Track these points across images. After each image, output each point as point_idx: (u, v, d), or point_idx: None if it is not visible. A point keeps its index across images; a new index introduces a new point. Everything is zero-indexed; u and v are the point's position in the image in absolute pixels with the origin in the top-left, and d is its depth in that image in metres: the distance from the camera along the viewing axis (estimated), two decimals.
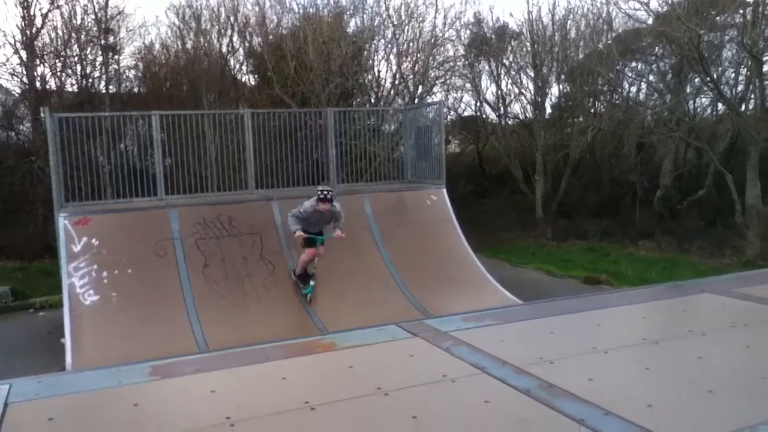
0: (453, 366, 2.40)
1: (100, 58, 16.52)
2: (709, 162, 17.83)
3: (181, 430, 1.91)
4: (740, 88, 17.96)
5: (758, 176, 16.20)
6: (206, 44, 17.91)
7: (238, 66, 18.90)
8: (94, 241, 8.53)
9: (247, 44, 18.51)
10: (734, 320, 2.90)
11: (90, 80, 16.31)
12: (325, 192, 8.30)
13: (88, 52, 16.26)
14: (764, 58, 16.18)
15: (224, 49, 18.22)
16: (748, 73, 17.00)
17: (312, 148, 12.00)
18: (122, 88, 17.32)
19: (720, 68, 17.68)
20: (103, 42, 16.40)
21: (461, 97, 20.79)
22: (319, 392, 2.17)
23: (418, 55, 18.08)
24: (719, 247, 16.76)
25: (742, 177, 16.52)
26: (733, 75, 18.10)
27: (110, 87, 16.90)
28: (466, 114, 21.30)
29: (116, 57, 16.90)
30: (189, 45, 17.92)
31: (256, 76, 18.88)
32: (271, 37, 18.16)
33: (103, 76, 16.67)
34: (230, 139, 11.45)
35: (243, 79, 19.10)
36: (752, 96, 17.26)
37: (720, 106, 18.49)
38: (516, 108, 20.27)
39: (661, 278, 11.54)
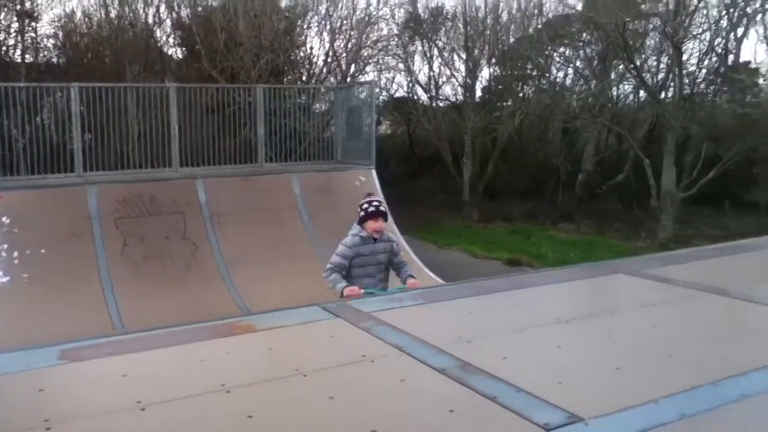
0: (373, 346, 2.41)
1: (15, 25, 15.64)
2: (628, 148, 18.53)
3: (88, 414, 1.85)
4: (661, 76, 18.67)
5: (674, 162, 16.96)
6: (131, 14, 17.19)
7: (164, 38, 18.25)
8: (4, 219, 8.12)
9: (174, 15, 17.88)
10: (643, 300, 3.02)
11: (4, 48, 15.42)
12: (377, 203, 5.27)
13: (1, 18, 15.37)
14: (684, 48, 16.88)
15: (150, 20, 17.54)
16: (669, 61, 17.68)
17: (240, 126, 11.77)
18: (40, 58, 16.46)
19: (643, 56, 18.31)
20: (18, 7, 15.51)
21: (394, 78, 20.81)
22: (235, 375, 2.14)
23: (352, 33, 17.96)
24: (635, 230, 17.50)
25: (658, 163, 17.25)
26: (655, 63, 18.78)
27: (26, 56, 16.03)
28: (398, 95, 21.35)
29: (33, 24, 16.03)
30: (113, 14, 17.17)
31: (183, 49, 18.29)
32: (200, 9, 17.60)
33: (19, 45, 15.79)
34: (154, 114, 11.06)
35: (170, 52, 18.47)
36: (672, 84, 17.98)
37: (641, 93, 19.20)
38: (447, 90, 20.44)
39: (580, 259, 11.95)
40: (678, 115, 16.39)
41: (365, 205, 5.24)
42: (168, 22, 17.93)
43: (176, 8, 17.76)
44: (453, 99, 20.09)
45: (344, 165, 11.67)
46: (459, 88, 19.67)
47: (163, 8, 17.59)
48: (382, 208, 5.25)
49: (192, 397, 1.96)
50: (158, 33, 17.96)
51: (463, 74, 19.19)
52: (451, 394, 1.98)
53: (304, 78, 17.93)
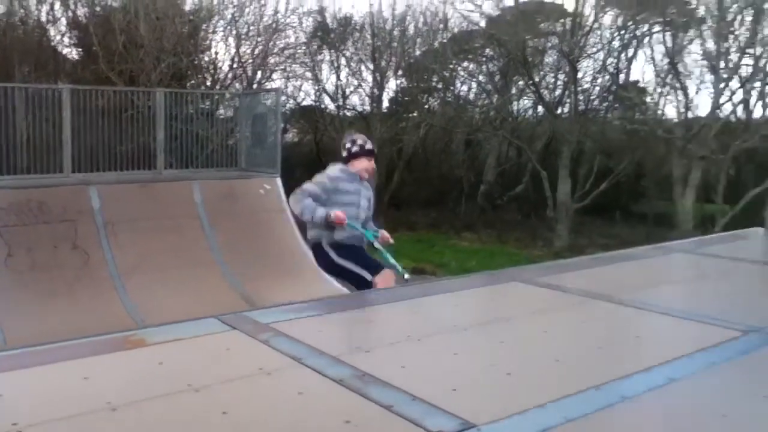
0: (270, 358, 2.37)
1: None
2: (527, 160, 19.28)
3: None
4: (558, 92, 19.54)
5: (569, 175, 17.79)
6: (22, 10, 16.24)
7: (59, 37, 17.32)
8: None
9: (70, 14, 17.03)
10: (536, 307, 3.14)
11: None
12: (363, 141, 4.84)
13: None
14: (579, 66, 17.78)
15: (43, 18, 16.63)
16: (566, 78, 18.56)
17: (139, 131, 11.33)
18: None
19: (541, 73, 19.12)
20: None
21: (301, 86, 20.69)
22: (123, 392, 2.04)
23: (259, 40, 17.72)
24: (533, 239, 18.19)
25: (555, 175, 18.04)
26: (552, 80, 19.64)
27: None
28: (305, 103, 21.24)
29: None
30: (2, 9, 16.14)
31: (79, 49, 17.44)
32: (98, 8, 16.85)
33: None
34: (45, 116, 10.47)
35: (64, 52, 17.56)
36: (568, 100, 18.88)
37: (540, 108, 20.03)
38: (355, 100, 20.54)
39: (481, 267, 12.27)
40: (573, 130, 17.22)
41: (354, 143, 4.81)
42: (63, 20, 17.07)
43: (72, 6, 16.94)
44: (360, 109, 20.22)
45: (248, 172, 11.47)
46: (366, 98, 19.82)
47: (57, 6, 16.72)
48: (371, 147, 4.87)
49: (73, 416, 1.85)
50: (52, 32, 17.04)
51: (371, 84, 19.36)
52: (348, 405, 1.98)
53: (208, 83, 17.52)
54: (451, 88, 20.50)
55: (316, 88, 20.42)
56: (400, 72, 19.89)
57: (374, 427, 1.85)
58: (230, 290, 8.92)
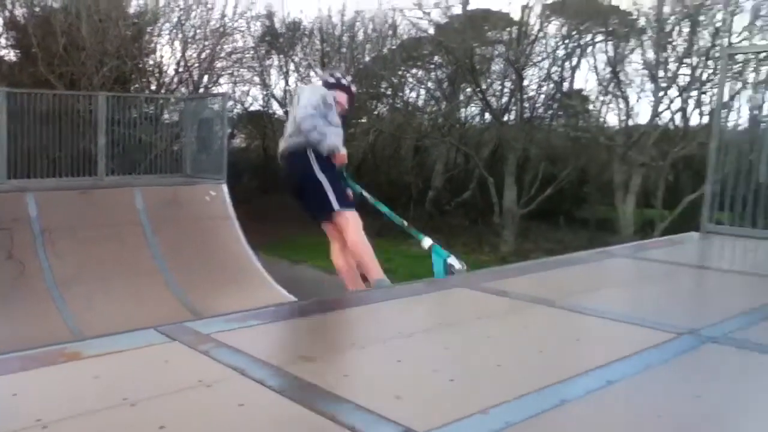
0: (210, 370, 2.32)
1: None
2: (474, 166, 19.52)
3: None
4: (504, 99, 19.87)
5: (515, 181, 18.09)
6: None
7: None
8: None
9: (7, 14, 16.46)
10: (480, 312, 3.17)
11: None
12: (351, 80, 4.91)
13: None
14: (525, 74, 18.12)
15: None
16: (512, 86, 18.89)
17: (80, 136, 11.01)
18: None
19: (488, 80, 19.42)
20: None
21: (249, 91, 20.49)
22: (54, 408, 1.96)
23: (205, 43, 17.47)
24: (480, 244, 18.41)
25: (501, 181, 18.32)
26: (499, 87, 19.96)
27: None
28: (253, 108, 21.04)
29: None
30: None
31: (17, 51, 16.87)
32: (37, 9, 16.33)
33: None
34: None
35: (1, 54, 16.97)
36: (514, 108, 19.21)
37: (487, 115, 20.33)
38: None
39: (429, 273, 12.36)
40: (519, 137, 17.52)
41: (345, 77, 4.86)
42: (0, 21, 16.49)
43: (9, 6, 16.37)
44: None
45: (193, 179, 11.28)
46: None
47: None
48: (345, 81, 4.88)
49: None
50: None
51: None
52: (290, 416, 1.95)
53: (153, 87, 17.17)
54: (400, 94, 20.63)
55: (265, 93, 20.28)
56: (349, 78, 19.90)
57: None
58: (173, 299, 8.75)
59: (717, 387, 2.28)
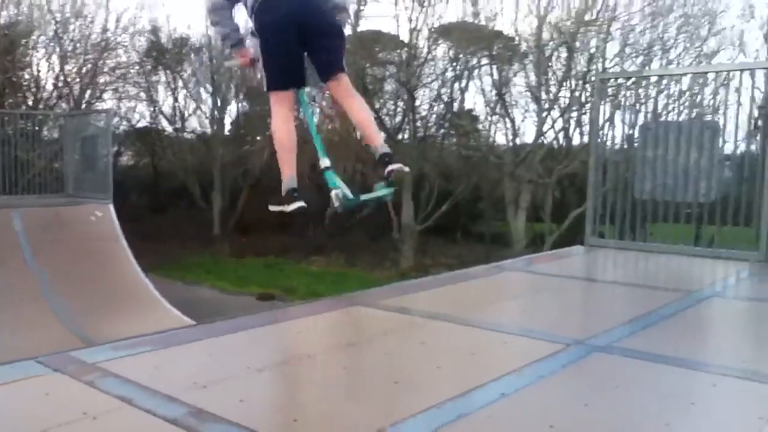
0: (96, 401, 2.19)
1: None
2: (372, 184, 19.72)
3: None
4: (398, 119, 20.23)
5: (411, 198, 18.42)
6: None
7: None
8: None
9: None
10: (379, 330, 3.17)
11: None
12: None
13: None
14: (416, 94, 18.55)
15: None
16: (404, 106, 19.28)
17: None
18: None
19: (381, 100, 19.71)
20: None
21: (135, 107, 19.73)
22: None
23: (86, 58, 16.67)
24: (381, 261, 18.57)
25: (399, 198, 18.60)
26: (392, 107, 20.29)
27: None
28: (141, 125, 20.28)
29: None
30: None
31: None
32: None
33: None
34: None
35: None
36: (407, 127, 19.59)
37: (383, 134, 20.60)
38: (194, 122, 19.94)
39: (331, 291, 12.32)
40: (413, 155, 17.87)
41: None
42: None
43: None
44: (200, 132, 19.65)
45: (77, 198, 10.69)
46: (206, 121, 19.31)
47: None
48: None
49: None
50: None
51: (210, 107, 18.90)
52: None
53: (30, 102, 16.18)
54: (294, 112, 20.54)
55: (152, 109, 19.61)
56: (241, 96, 19.62)
57: None
58: (60, 327, 8.21)
59: (604, 395, 2.40)
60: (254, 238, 19.20)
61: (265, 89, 3.78)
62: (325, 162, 3.85)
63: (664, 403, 2.30)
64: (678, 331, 3.40)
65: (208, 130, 19.17)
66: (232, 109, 20.06)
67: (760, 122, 6.09)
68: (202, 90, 19.03)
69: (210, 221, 18.87)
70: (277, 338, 3.03)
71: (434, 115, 19.40)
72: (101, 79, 17.41)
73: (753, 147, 6.35)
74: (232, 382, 2.39)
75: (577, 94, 16.80)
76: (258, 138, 19.90)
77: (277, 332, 3.12)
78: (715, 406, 2.31)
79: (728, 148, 6.25)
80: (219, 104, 18.68)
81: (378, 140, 3.82)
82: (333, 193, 3.70)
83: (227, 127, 19.81)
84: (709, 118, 6.20)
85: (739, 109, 6.04)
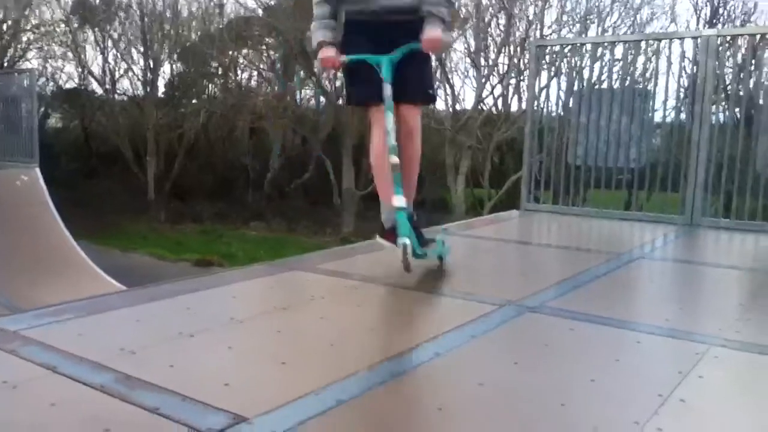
0: (17, 370, 2.11)
1: None
2: (312, 149, 19.53)
3: None
4: (339, 83, 20.02)
5: (352, 163, 18.36)
6: None
7: None
8: None
9: None
10: (314, 294, 3.16)
11: None
12: None
13: None
14: None
15: None
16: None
17: None
18: None
19: None
20: None
21: (63, 68, 18.87)
22: None
23: (6, 14, 15.78)
24: (322, 226, 18.53)
25: (339, 163, 18.50)
26: (333, 72, 20.03)
27: None
28: (69, 86, 19.42)
29: None
30: None
31: None
32: None
33: None
34: None
35: None
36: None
37: (322, 98, 20.36)
38: (126, 84, 19.23)
39: (270, 257, 12.21)
40: (353, 120, 17.78)
41: None
42: None
43: None
44: (132, 93, 18.98)
45: (0, 162, 10.21)
46: (138, 83, 18.65)
47: None
48: None
49: None
50: None
51: (143, 68, 18.24)
52: (108, 412, 1.82)
53: None
54: (231, 74, 20.10)
55: (81, 70, 18.79)
56: (175, 56, 19.00)
57: None
58: None
59: (533, 353, 2.46)
60: (191, 203, 18.85)
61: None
62: (399, 201, 3.21)
63: (590, 360, 2.38)
64: (606, 291, 3.51)
65: (141, 92, 18.52)
66: (166, 70, 19.41)
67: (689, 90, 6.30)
68: (133, 50, 18.31)
69: (144, 186, 18.35)
70: (209, 303, 2.97)
71: None
72: (24, 37, 16.52)
73: (682, 115, 6.56)
74: (162, 347, 2.34)
75: (515, 60, 16.98)
76: (194, 100, 19.37)
77: (210, 297, 3.07)
78: (638, 362, 2.41)
79: (659, 116, 6.45)
80: (152, 65, 18.01)
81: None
82: (401, 242, 3.15)
83: (161, 89, 19.19)
84: (641, 86, 6.37)
85: (668, 76, 6.23)
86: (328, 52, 3.19)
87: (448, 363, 2.28)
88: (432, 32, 3.15)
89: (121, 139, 18.05)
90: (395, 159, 3.12)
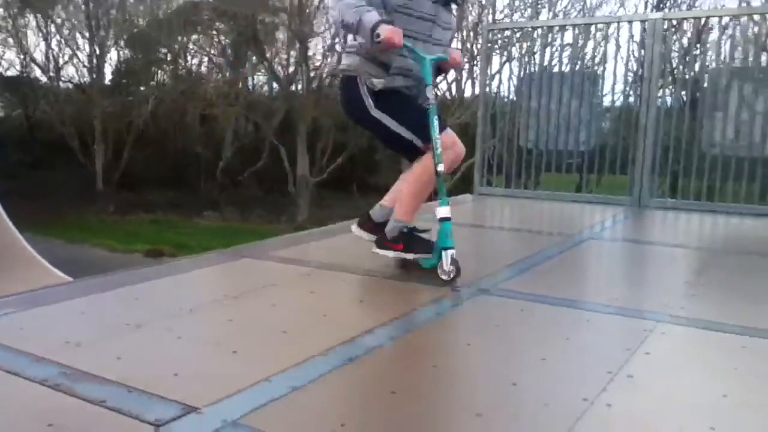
0: None
1: None
2: (265, 135, 19.30)
3: None
4: (291, 69, 19.81)
5: (306, 150, 18.22)
6: None
7: None
8: None
9: None
10: (267, 281, 3.12)
11: None
12: None
13: None
14: (309, 44, 18.18)
15: None
16: (297, 56, 18.86)
17: None
18: None
19: (274, 49, 19.20)
20: None
21: (3, 54, 18.18)
22: None
23: None
24: (277, 214, 18.37)
25: (293, 150, 18.33)
26: (285, 56, 19.83)
27: None
28: (10, 74, 18.72)
29: None
30: None
31: None
32: None
33: None
34: None
35: None
36: (301, 78, 19.23)
37: (275, 84, 20.13)
38: (71, 71, 18.64)
39: (224, 246, 12.05)
40: (307, 107, 17.64)
41: None
42: None
43: None
44: (78, 81, 18.42)
45: None
46: (84, 70, 18.11)
47: None
48: None
49: None
50: None
51: (88, 54, 17.71)
52: (51, 407, 1.76)
53: None
54: (180, 61, 19.69)
55: (22, 57, 18.13)
56: (122, 42, 18.50)
57: (82, 426, 1.67)
58: None
59: (486, 334, 2.48)
60: (142, 193, 18.45)
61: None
62: (445, 211, 3.12)
63: (541, 339, 2.41)
64: (557, 272, 3.57)
65: (87, 79, 17.98)
66: (113, 57, 18.89)
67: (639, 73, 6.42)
68: (78, 36, 17.73)
69: (93, 176, 17.87)
70: (158, 293, 2.91)
71: (328, 66, 19.16)
72: None
73: (631, 99, 6.69)
74: (108, 339, 2.28)
75: (468, 45, 17.05)
76: (142, 88, 18.91)
77: (159, 287, 3.00)
78: (587, 340, 2.45)
79: (608, 100, 6.57)
80: (97, 51, 17.48)
81: (401, 212, 3.34)
82: (450, 253, 3.06)
83: (108, 76, 18.65)
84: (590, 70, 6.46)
85: (617, 60, 6.33)
86: (394, 30, 2.95)
87: (402, 347, 2.28)
88: (458, 52, 3.40)
89: (66, 128, 17.49)
90: (442, 167, 3.08)
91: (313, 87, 18.50)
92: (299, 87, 19.37)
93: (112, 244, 13.55)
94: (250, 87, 20.14)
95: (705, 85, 6.09)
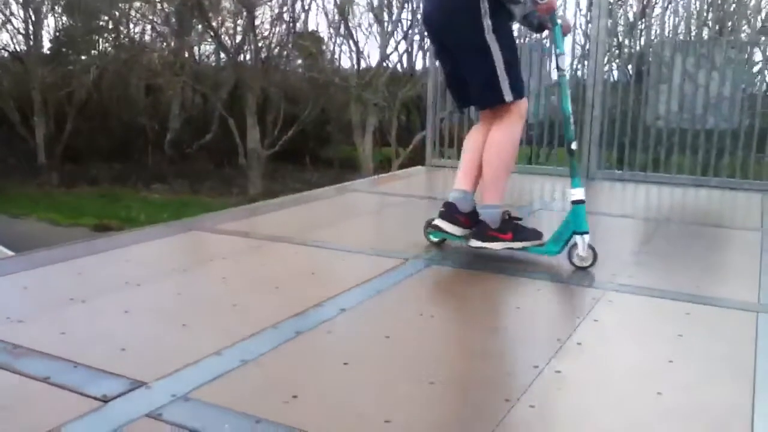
0: None
1: None
2: (214, 107, 18.90)
3: None
4: (239, 39, 19.37)
5: (257, 122, 17.93)
6: None
7: None
8: None
9: None
10: (216, 254, 3.07)
11: None
12: None
13: None
14: (257, 13, 17.78)
15: None
16: (245, 25, 18.45)
17: None
18: None
19: (219, 18, 18.71)
20: None
21: None
22: None
23: None
24: (228, 187, 18.10)
25: (244, 122, 18.02)
26: (232, 25, 19.36)
27: None
28: None
29: None
30: None
31: None
32: None
33: None
34: None
35: None
36: (249, 48, 18.82)
37: (222, 54, 19.67)
38: (5, 38, 17.83)
39: (173, 219, 11.84)
40: (256, 77, 17.32)
41: None
42: None
43: None
44: (14, 49, 17.63)
45: None
46: (20, 36, 17.34)
47: None
48: None
49: None
50: None
51: (23, 20, 16.95)
52: None
53: None
54: (122, 29, 19.03)
55: None
56: (59, 9, 17.75)
57: (27, 402, 1.62)
58: None
59: (438, 304, 2.50)
60: (86, 166, 17.89)
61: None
62: (578, 193, 2.91)
63: (493, 308, 2.45)
64: None
65: (23, 47, 17.21)
66: (51, 24, 18.13)
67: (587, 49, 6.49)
68: (12, 1, 16.93)
69: (34, 150, 17.22)
70: (103, 267, 2.83)
71: (276, 36, 18.82)
72: None
73: (579, 73, 6.77)
74: (52, 315, 2.21)
75: (419, 16, 16.94)
76: (83, 57, 18.22)
77: (104, 261, 2.92)
78: (538, 309, 2.49)
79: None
80: (32, 17, 16.73)
81: (489, 196, 3.08)
82: (587, 238, 2.88)
83: (46, 44, 17.90)
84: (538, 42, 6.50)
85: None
86: None
87: (354, 318, 2.28)
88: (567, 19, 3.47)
89: (3, 99, 16.75)
90: (575, 144, 2.91)
91: (262, 57, 18.15)
92: (247, 57, 18.96)
93: (55, 218, 13.15)
94: (197, 57, 19.62)
95: (650, 58, 6.20)
